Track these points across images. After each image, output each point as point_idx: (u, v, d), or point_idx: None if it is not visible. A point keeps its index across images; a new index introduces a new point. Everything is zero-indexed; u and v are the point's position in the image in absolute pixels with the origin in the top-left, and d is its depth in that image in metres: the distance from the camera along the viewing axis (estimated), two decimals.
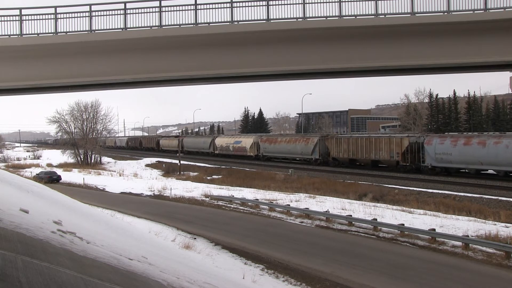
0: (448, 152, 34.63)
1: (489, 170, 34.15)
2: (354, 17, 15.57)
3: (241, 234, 20.01)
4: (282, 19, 15.84)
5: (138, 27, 16.05)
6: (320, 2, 15.59)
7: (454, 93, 76.73)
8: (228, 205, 28.69)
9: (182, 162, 56.55)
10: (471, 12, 15.05)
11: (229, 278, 12.27)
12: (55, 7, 16.31)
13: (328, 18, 15.55)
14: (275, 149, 54.94)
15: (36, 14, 16.32)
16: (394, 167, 39.89)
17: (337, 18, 15.47)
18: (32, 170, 53.94)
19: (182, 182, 43.69)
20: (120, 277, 5.82)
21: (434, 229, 18.20)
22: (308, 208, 24.37)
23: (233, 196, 30.85)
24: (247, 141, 61.14)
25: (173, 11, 15.98)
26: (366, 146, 42.07)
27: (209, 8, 15.92)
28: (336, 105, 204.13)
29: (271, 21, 15.77)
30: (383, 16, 15.43)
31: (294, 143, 51.51)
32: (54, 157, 77.86)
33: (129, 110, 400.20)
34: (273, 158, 56.32)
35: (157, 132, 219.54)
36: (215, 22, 15.85)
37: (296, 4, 15.72)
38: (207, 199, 31.78)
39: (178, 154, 58.05)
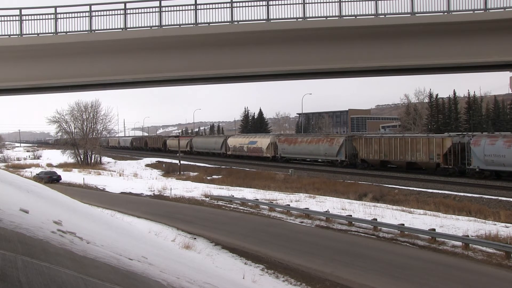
0: (500, 154, 31.03)
1: None
2: (354, 17, 15.57)
3: (241, 234, 20.00)
4: (282, 19, 15.83)
5: (138, 27, 16.05)
6: (320, 2, 15.58)
7: (454, 93, 76.88)
8: (228, 205, 28.69)
9: (183, 162, 56.45)
10: (471, 12, 15.05)
11: (229, 278, 12.28)
12: (55, 7, 16.31)
13: (328, 18, 15.55)
14: (295, 150, 51.59)
15: (36, 14, 16.32)
16: (433, 170, 36.54)
17: (337, 18, 15.47)
18: (32, 170, 53.93)
19: (182, 182, 43.68)
20: (120, 277, 5.83)
21: (434, 229, 18.20)
22: (308, 208, 24.36)
23: (233, 196, 30.84)
24: (263, 141, 57.87)
25: (173, 11, 15.98)
26: (401, 146, 38.73)
27: (209, 8, 15.92)
28: (336, 105, 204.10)
29: (271, 21, 15.76)
30: (383, 16, 15.42)
31: (316, 144, 48.16)
32: (54, 157, 77.86)
33: (129, 110, 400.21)
34: (292, 160, 52.93)
35: (157, 132, 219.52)
36: (215, 22, 15.84)
37: (296, 4, 15.72)
38: (207, 199, 31.78)
39: (178, 154, 58.00)
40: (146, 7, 16.07)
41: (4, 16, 16.35)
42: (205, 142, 75.46)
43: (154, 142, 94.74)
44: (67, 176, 49.87)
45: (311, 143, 49.25)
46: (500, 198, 26.70)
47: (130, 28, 16.02)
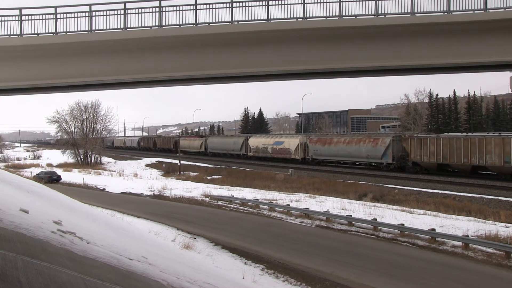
0: None
1: None
2: (354, 17, 15.57)
3: (241, 234, 20.00)
4: (282, 19, 15.84)
5: (138, 27, 16.06)
6: (320, 2, 15.59)
7: (454, 93, 76.80)
8: (228, 205, 28.69)
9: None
10: (471, 12, 15.05)
11: (229, 278, 12.28)
12: (55, 7, 16.31)
13: (328, 18, 15.55)
14: (330, 151, 46.50)
15: (36, 14, 16.33)
16: (508, 176, 31.38)
17: (337, 18, 15.48)
18: (32, 170, 53.93)
19: (182, 182, 43.70)
20: (120, 277, 5.83)
21: (434, 229, 18.20)
22: (308, 208, 24.36)
23: (233, 196, 30.84)
24: (291, 142, 52.90)
25: (173, 11, 15.99)
26: (465, 148, 33.53)
27: (209, 8, 15.93)
28: (336, 105, 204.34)
29: (271, 21, 15.77)
30: (383, 16, 15.43)
31: (357, 145, 43.28)
32: (54, 157, 77.86)
33: (129, 110, 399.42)
34: (326, 162, 47.84)
35: (157, 132, 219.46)
36: (215, 22, 15.85)
37: (296, 4, 15.73)
38: (207, 199, 31.78)
39: (178, 154, 57.96)
40: (146, 7, 16.08)
41: (4, 16, 16.36)
42: (222, 143, 69.57)
43: (164, 143, 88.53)
44: (67, 176, 49.88)
45: (350, 144, 44.32)
46: (500, 198, 26.71)
47: (130, 28, 16.02)
